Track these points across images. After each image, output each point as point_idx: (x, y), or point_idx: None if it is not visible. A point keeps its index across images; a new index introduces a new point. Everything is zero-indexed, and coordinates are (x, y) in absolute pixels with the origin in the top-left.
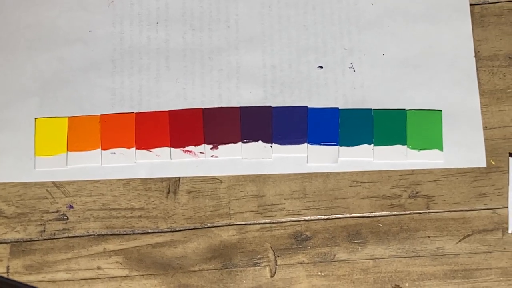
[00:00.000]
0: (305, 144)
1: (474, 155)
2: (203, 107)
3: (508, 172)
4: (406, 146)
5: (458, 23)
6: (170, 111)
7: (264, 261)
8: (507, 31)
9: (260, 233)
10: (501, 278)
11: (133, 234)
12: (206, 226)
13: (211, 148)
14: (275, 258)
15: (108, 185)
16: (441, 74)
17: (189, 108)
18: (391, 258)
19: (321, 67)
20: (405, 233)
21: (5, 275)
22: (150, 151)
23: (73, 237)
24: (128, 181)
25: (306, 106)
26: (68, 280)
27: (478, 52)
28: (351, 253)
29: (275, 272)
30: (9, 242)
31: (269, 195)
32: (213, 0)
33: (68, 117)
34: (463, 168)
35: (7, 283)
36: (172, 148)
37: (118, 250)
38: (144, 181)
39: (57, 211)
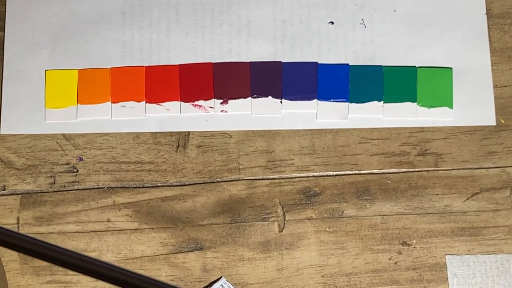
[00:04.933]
0: (315, 100)
1: (483, 113)
2: (213, 62)
3: None
4: (416, 103)
5: None
6: (180, 65)
7: (273, 216)
8: None
9: (269, 188)
10: (508, 236)
11: (143, 187)
12: (215, 181)
13: (221, 103)
14: (284, 213)
15: (118, 138)
16: (452, 31)
17: (199, 62)
18: (399, 215)
19: (332, 22)
20: (413, 190)
21: (15, 226)
22: (160, 105)
23: (83, 189)
24: (137, 135)
25: (317, 62)
26: (77, 232)
27: (490, 9)
28: (359, 210)
29: (283, 227)
30: (19, 194)
31: (278, 151)
32: None
33: (78, 69)
34: (473, 126)
35: (14, 236)
36: (182, 102)
37: (127, 203)
38: (154, 134)
39: (67, 164)
